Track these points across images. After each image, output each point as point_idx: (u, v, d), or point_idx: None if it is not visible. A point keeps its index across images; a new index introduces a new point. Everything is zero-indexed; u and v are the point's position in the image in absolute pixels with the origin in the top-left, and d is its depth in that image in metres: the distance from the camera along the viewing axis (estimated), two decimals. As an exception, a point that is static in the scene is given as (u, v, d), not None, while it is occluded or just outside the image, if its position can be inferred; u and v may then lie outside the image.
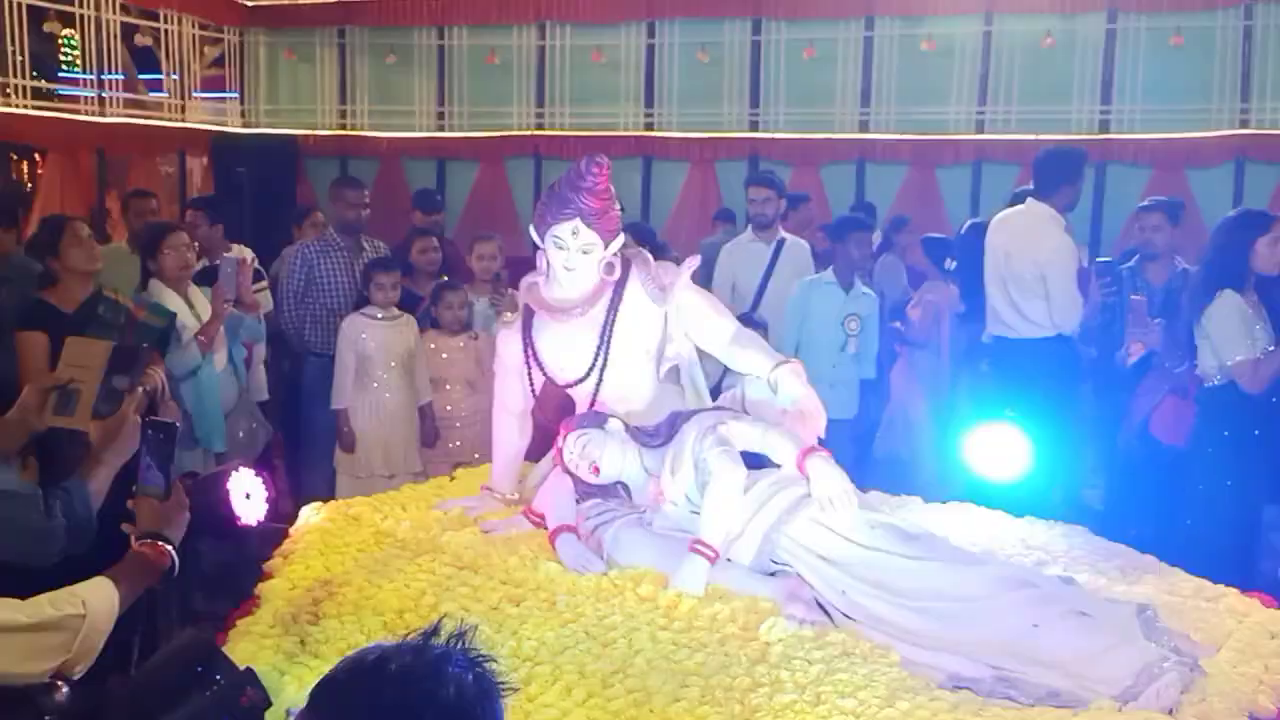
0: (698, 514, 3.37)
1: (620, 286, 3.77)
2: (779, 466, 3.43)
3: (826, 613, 3.13)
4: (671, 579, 3.24)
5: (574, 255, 3.63)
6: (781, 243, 6.79)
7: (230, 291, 5.21)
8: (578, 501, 3.62)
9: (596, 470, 3.56)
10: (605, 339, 3.76)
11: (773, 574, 3.28)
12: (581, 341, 3.79)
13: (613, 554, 3.41)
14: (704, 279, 5.92)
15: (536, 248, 3.74)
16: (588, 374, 3.79)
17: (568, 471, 3.63)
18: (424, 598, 3.21)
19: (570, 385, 3.86)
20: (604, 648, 2.94)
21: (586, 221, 3.60)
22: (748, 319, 6.31)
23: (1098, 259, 5.97)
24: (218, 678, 2.25)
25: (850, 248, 6.40)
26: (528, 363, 3.89)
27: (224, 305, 5.19)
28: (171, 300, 5.17)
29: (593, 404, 3.81)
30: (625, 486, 3.64)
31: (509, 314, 3.99)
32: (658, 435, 3.62)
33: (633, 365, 3.82)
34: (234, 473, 3.15)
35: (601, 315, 3.76)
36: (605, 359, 3.77)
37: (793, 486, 3.32)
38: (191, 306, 5.28)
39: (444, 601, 3.16)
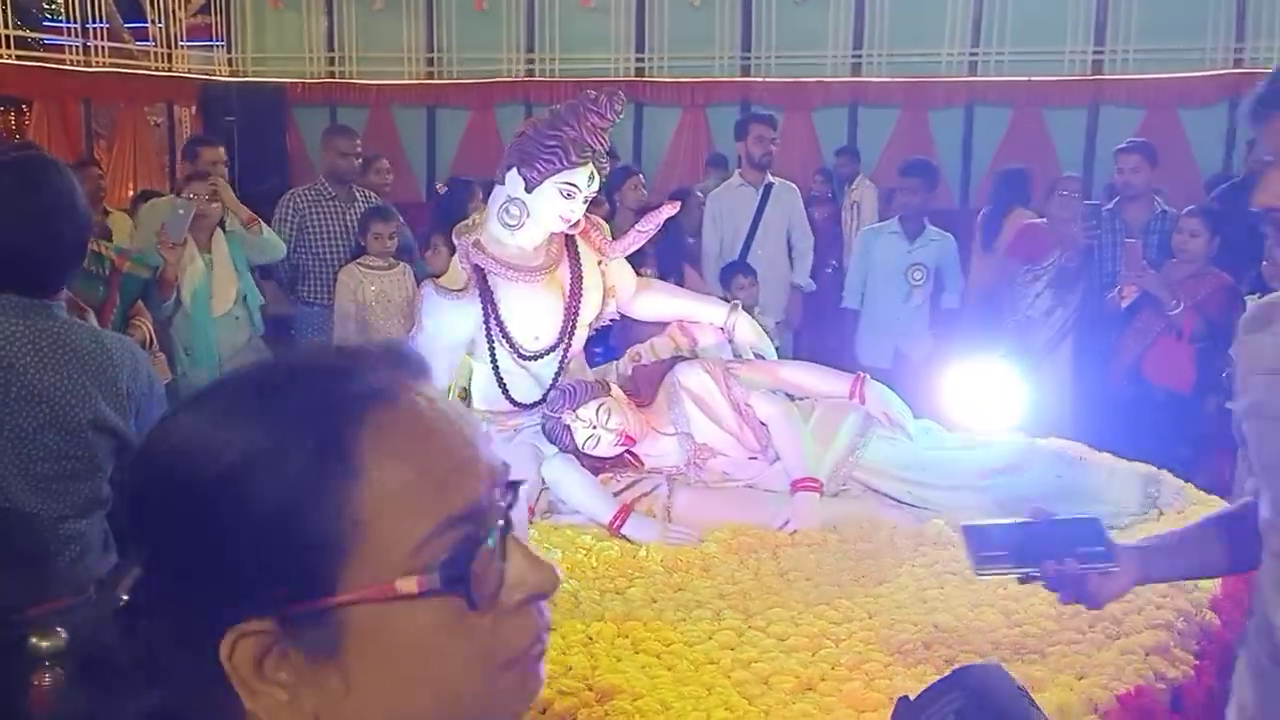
0: (754, 459, 3.40)
1: (572, 240, 3.39)
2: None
3: None
4: (783, 522, 3.18)
5: (578, 205, 3.19)
6: (770, 186, 6.54)
7: (177, 236, 5.04)
8: None
9: (631, 439, 3.26)
10: (575, 300, 3.36)
11: (835, 495, 3.38)
12: (550, 306, 3.34)
13: (685, 518, 3.24)
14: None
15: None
16: (558, 343, 3.36)
17: (573, 450, 3.28)
18: (572, 635, 2.55)
19: (535, 358, 3.36)
20: (862, 585, 2.83)
21: (599, 166, 3.18)
22: (739, 267, 6.30)
23: (1084, 201, 5.93)
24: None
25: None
26: (489, 335, 3.33)
27: (171, 250, 5.03)
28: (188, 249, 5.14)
29: (556, 378, 3.39)
30: (631, 452, 3.37)
31: (440, 278, 3.50)
32: (641, 395, 3.43)
33: (584, 330, 3.50)
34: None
35: (565, 274, 3.35)
36: (575, 324, 3.37)
37: (849, 415, 3.43)
38: (208, 253, 5.30)
39: (594, 627, 2.60)
